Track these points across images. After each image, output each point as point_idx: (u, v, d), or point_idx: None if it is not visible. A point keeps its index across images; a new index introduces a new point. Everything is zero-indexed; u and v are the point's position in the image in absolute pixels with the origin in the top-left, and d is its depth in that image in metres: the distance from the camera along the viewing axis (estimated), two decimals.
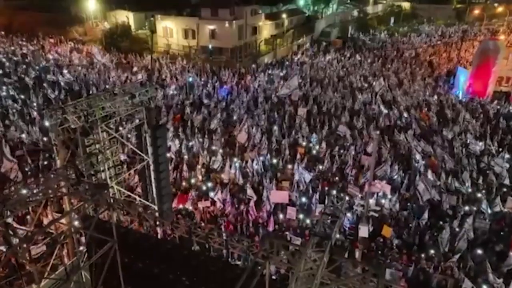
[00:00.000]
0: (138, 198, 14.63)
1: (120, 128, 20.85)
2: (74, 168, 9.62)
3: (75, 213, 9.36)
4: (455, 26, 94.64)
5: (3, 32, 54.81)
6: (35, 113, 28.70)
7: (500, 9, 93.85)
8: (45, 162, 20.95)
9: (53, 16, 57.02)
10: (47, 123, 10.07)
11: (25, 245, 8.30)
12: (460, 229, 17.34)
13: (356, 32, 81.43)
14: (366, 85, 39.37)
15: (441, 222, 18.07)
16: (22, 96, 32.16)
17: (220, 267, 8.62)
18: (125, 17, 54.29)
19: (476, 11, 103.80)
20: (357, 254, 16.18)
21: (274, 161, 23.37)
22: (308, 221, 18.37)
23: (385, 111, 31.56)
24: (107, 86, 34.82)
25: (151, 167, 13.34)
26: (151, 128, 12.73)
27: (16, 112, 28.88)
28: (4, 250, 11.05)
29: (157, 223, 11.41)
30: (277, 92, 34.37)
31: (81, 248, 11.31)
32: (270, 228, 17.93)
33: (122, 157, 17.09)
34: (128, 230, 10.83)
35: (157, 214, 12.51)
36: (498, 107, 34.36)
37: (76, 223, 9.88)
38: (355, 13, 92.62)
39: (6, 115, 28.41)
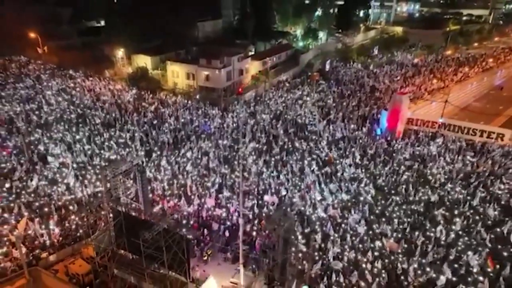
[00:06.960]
0: (134, 203, 31.83)
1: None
2: (111, 191, 26.82)
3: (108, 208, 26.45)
4: (433, 54, 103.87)
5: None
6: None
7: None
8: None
9: (91, 54, 75.68)
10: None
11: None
12: None
13: (337, 64, 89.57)
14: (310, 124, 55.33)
15: None
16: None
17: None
18: (144, 63, 72.15)
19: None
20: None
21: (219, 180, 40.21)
22: (224, 214, 35.16)
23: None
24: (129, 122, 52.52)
25: (140, 191, 30.26)
26: (140, 174, 29.58)
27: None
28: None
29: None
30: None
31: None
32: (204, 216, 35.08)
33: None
34: (128, 215, 27.90)
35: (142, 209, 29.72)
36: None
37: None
38: (340, 45, 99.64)
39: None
